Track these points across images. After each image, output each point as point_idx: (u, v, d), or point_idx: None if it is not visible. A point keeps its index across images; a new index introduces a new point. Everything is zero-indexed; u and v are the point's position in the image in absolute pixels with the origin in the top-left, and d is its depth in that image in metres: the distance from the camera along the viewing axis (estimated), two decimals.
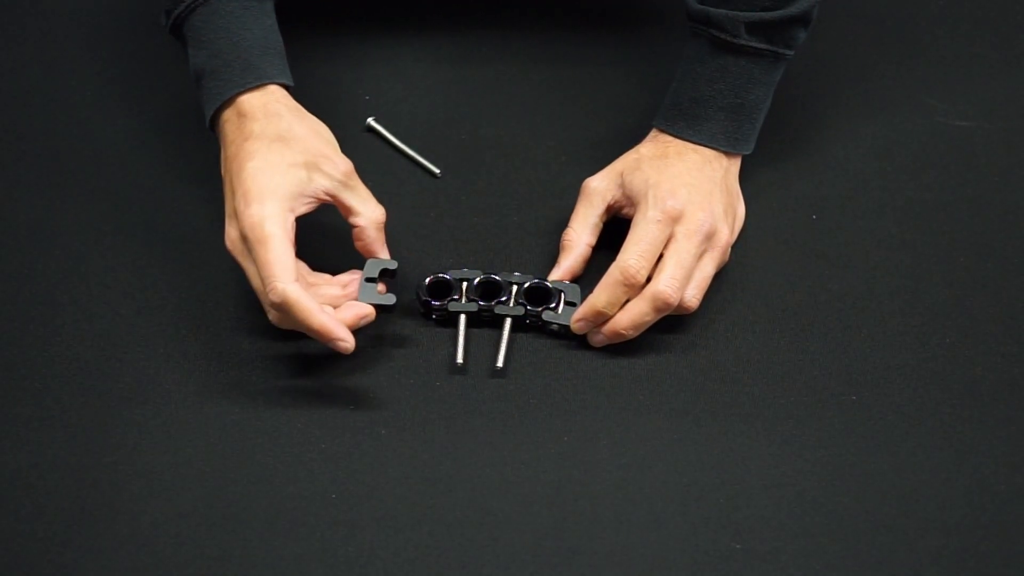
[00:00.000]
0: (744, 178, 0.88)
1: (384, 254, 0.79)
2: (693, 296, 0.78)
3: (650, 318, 0.76)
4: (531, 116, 0.94)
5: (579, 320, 0.78)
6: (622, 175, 0.81)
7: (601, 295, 0.76)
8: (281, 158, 0.75)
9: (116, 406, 0.75)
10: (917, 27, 1.02)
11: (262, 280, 0.72)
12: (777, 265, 0.84)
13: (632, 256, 0.76)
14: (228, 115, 0.78)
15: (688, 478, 0.72)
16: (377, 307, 0.76)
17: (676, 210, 0.77)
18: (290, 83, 0.80)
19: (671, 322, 0.80)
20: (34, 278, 0.82)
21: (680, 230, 0.77)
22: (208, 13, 0.78)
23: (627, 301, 0.77)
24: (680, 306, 0.77)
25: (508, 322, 0.78)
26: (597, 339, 0.78)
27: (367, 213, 0.78)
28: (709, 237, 0.78)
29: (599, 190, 0.81)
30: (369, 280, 0.77)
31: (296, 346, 0.78)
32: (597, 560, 0.69)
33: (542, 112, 0.94)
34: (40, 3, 1.04)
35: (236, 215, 0.73)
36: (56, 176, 0.90)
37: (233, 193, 0.74)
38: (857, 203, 0.88)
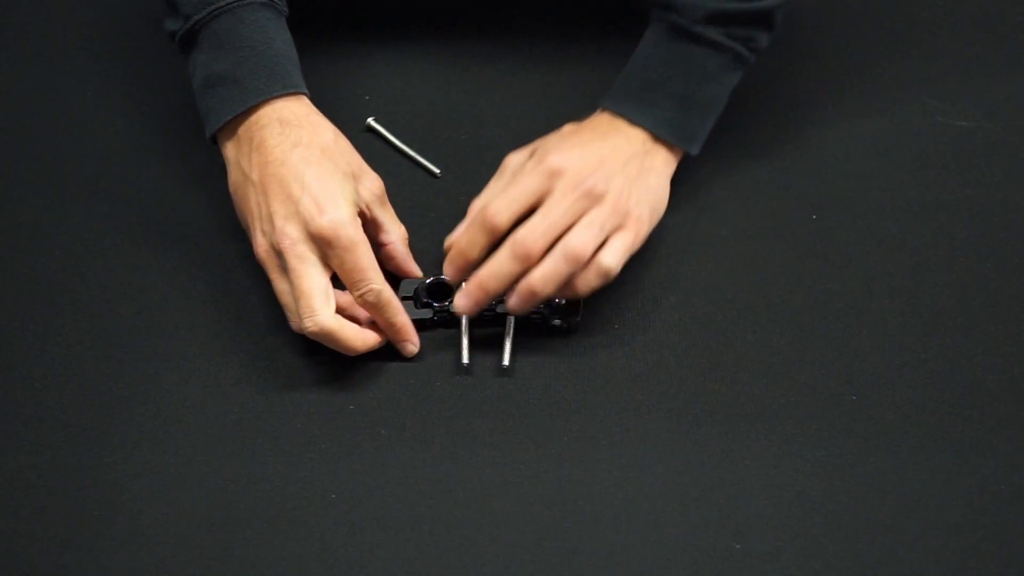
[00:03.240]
0: (744, 178, 0.89)
1: (416, 270, 0.81)
2: (579, 236, 0.73)
3: (508, 267, 0.73)
4: (531, 116, 0.94)
5: (447, 264, 0.77)
6: (536, 146, 0.80)
7: (462, 236, 0.76)
8: (336, 167, 0.76)
9: (116, 406, 0.75)
10: (917, 27, 1.02)
11: (353, 283, 0.74)
12: (777, 265, 0.84)
13: (496, 199, 0.75)
14: (263, 122, 0.77)
15: (688, 478, 0.72)
16: (416, 322, 0.78)
17: (557, 166, 0.75)
18: (308, 94, 0.80)
19: (671, 322, 0.80)
20: (34, 278, 0.82)
21: (557, 185, 0.74)
22: (232, 21, 0.78)
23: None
24: (571, 251, 0.72)
25: (511, 321, 0.78)
26: (460, 301, 0.76)
27: (396, 231, 0.81)
28: (594, 197, 0.74)
29: (512, 161, 0.82)
30: (406, 299, 0.79)
31: (296, 346, 0.78)
32: (597, 560, 0.69)
33: (542, 112, 0.94)
34: (40, 3, 1.04)
35: (305, 220, 0.72)
36: (56, 176, 0.90)
37: (295, 199, 0.73)
38: (857, 203, 0.88)
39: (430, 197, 0.88)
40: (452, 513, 0.71)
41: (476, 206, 0.81)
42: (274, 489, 0.72)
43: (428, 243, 0.84)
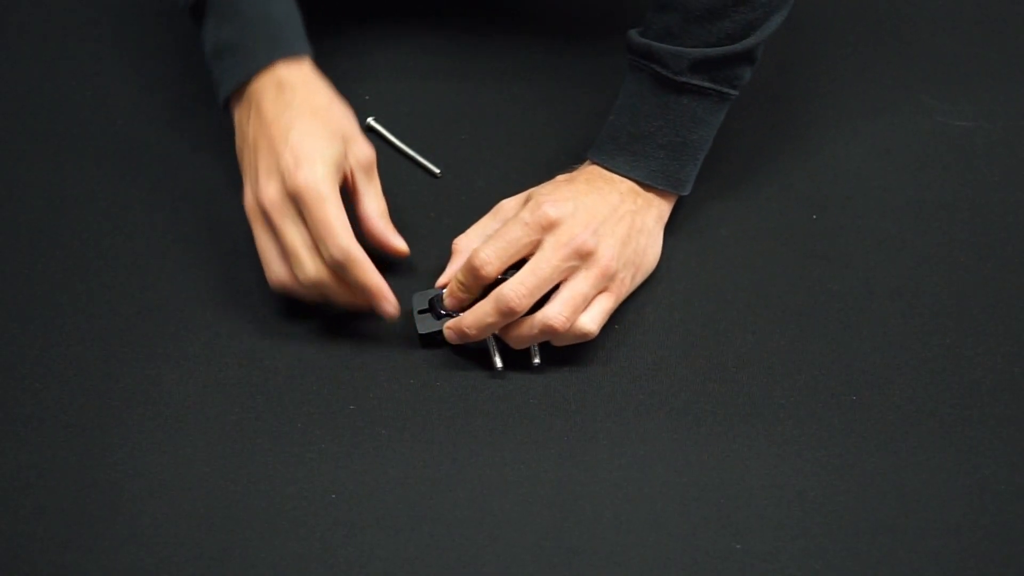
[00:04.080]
0: (744, 177, 0.89)
1: (397, 242, 0.80)
2: (559, 314, 0.73)
3: (492, 319, 0.74)
4: (531, 116, 0.94)
5: (447, 297, 0.78)
6: (530, 194, 0.80)
7: (454, 281, 0.77)
8: (324, 128, 0.77)
9: (116, 406, 0.75)
10: (917, 27, 1.02)
11: (319, 238, 0.73)
12: (777, 265, 0.84)
13: (486, 248, 0.75)
14: (264, 85, 0.79)
15: (688, 478, 0.72)
16: (436, 333, 0.77)
17: (549, 219, 0.74)
18: (311, 55, 0.82)
19: (671, 322, 0.80)
20: (34, 278, 0.83)
21: (548, 239, 0.74)
22: None
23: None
24: (548, 326, 0.74)
25: None
26: (447, 333, 0.77)
27: (375, 203, 0.80)
28: (582, 256, 0.74)
29: (505, 207, 0.81)
30: (421, 312, 0.78)
31: (296, 346, 0.78)
32: (597, 560, 0.69)
33: (542, 112, 0.94)
34: (40, 3, 1.04)
35: (283, 175, 0.74)
36: (56, 176, 0.90)
37: (277, 155, 0.75)
38: (857, 203, 0.88)
39: (430, 197, 0.88)
40: (452, 513, 0.71)
41: (461, 244, 0.81)
42: (274, 489, 0.72)
43: (428, 243, 0.84)
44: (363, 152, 0.79)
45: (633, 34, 0.81)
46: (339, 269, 0.74)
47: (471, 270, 0.75)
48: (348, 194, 0.79)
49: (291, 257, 0.75)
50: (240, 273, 0.83)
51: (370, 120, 0.92)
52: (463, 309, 0.77)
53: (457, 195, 0.88)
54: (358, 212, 0.80)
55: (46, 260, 0.84)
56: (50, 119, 0.94)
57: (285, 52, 0.79)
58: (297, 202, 0.74)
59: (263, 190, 0.75)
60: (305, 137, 0.75)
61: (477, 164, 0.90)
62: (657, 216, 0.81)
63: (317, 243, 0.74)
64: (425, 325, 0.78)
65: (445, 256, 0.82)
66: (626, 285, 0.78)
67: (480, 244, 0.76)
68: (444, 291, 0.78)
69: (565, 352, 0.78)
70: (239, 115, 0.81)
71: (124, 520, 0.70)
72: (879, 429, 0.74)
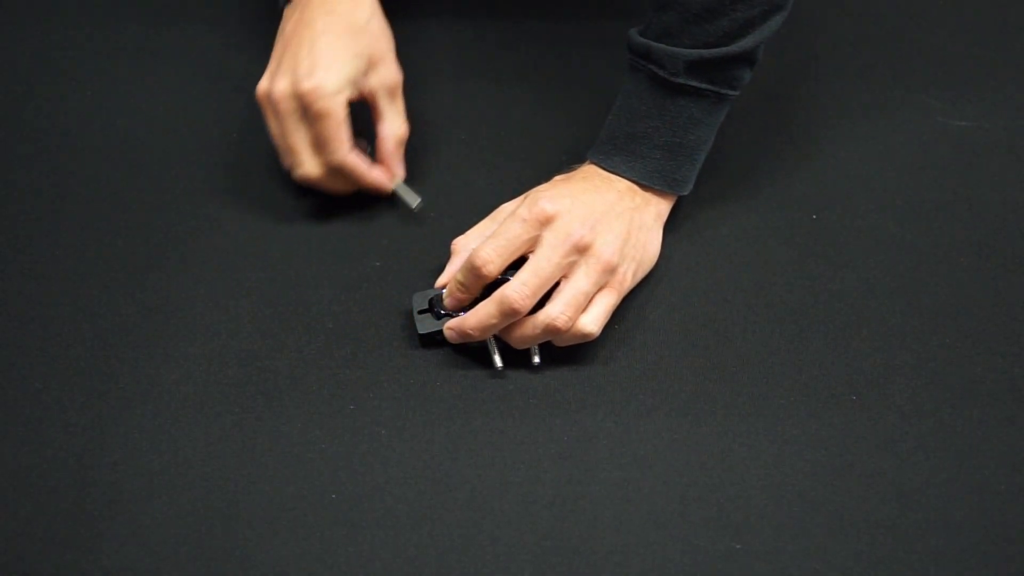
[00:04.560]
0: (744, 178, 0.89)
1: (398, 170, 0.85)
2: (562, 313, 0.74)
3: (495, 321, 0.74)
4: (531, 116, 0.94)
5: (447, 297, 0.78)
6: (528, 195, 0.80)
7: (454, 281, 0.77)
8: (352, 44, 0.81)
9: (116, 406, 0.75)
10: (917, 27, 1.02)
11: (318, 145, 0.80)
12: (777, 265, 0.84)
13: (486, 247, 0.75)
14: None
15: (688, 478, 0.72)
16: (436, 333, 0.78)
17: (546, 213, 0.74)
18: None
19: (671, 322, 0.80)
20: (34, 278, 0.82)
21: (547, 235, 0.74)
22: None
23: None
24: (550, 326, 0.74)
25: None
26: (448, 333, 0.77)
27: (393, 126, 0.84)
28: (581, 250, 0.74)
29: (505, 210, 0.81)
30: (421, 312, 0.78)
31: (296, 346, 0.78)
32: (597, 560, 0.69)
33: (542, 112, 0.94)
34: (40, 3, 1.04)
35: (296, 77, 0.79)
36: (56, 176, 0.90)
37: (298, 57, 0.80)
38: (857, 203, 0.88)
39: (430, 197, 0.88)
40: (452, 513, 0.71)
41: (460, 245, 0.81)
42: (274, 489, 0.72)
43: (428, 243, 0.84)
44: (388, 75, 0.83)
45: (633, 33, 0.80)
46: (335, 173, 0.82)
47: (472, 270, 0.75)
48: (371, 114, 0.85)
49: (291, 154, 0.81)
50: (240, 273, 0.83)
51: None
52: (463, 309, 0.77)
53: (457, 195, 0.88)
54: (375, 132, 0.84)
55: (46, 260, 0.84)
56: (50, 119, 0.94)
57: None
58: (303, 106, 0.79)
59: (276, 84, 0.80)
60: (328, 49, 0.80)
61: (477, 164, 0.90)
62: (656, 214, 0.81)
63: (318, 150, 0.80)
64: (425, 325, 0.78)
65: (445, 256, 0.82)
66: (627, 280, 0.78)
67: (479, 243, 0.76)
68: (444, 291, 0.78)
69: (565, 352, 0.78)
70: (287, 13, 0.85)
71: (124, 520, 0.70)
72: (879, 429, 0.74)
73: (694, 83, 0.78)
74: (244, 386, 0.77)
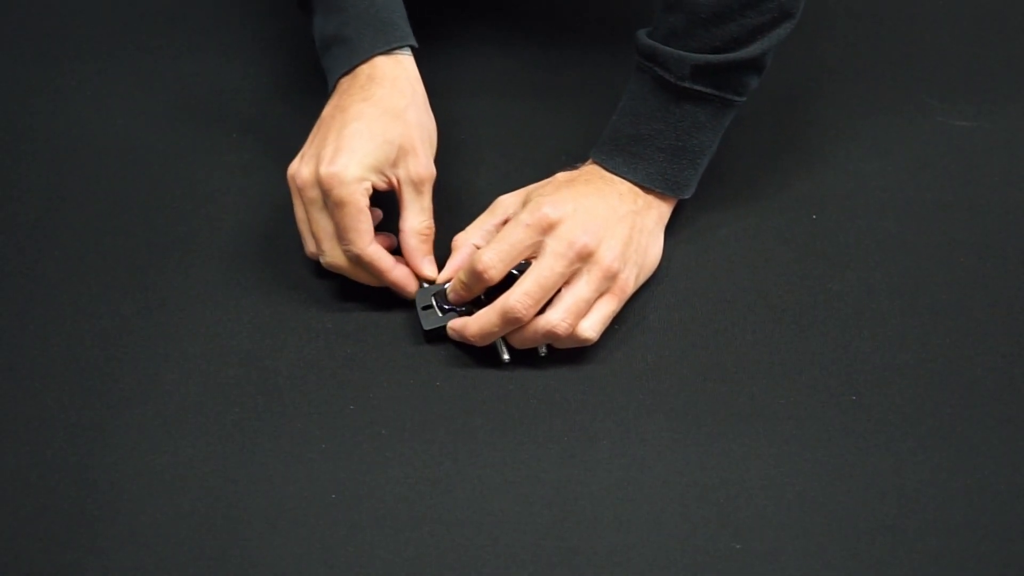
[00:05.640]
0: (744, 177, 0.89)
1: (423, 267, 0.80)
2: (562, 320, 0.74)
3: (498, 329, 0.75)
4: (531, 116, 0.94)
5: (450, 294, 0.78)
6: (529, 193, 0.80)
7: (456, 281, 0.77)
8: (382, 131, 0.78)
9: (116, 406, 0.75)
10: (917, 27, 1.02)
11: (338, 235, 0.77)
12: (777, 265, 0.84)
13: (488, 252, 0.75)
14: (360, 74, 0.81)
15: (688, 478, 0.72)
16: (440, 329, 0.78)
17: (549, 220, 0.74)
18: (416, 45, 0.84)
19: (671, 322, 0.80)
20: (34, 278, 0.82)
21: (549, 242, 0.74)
22: None
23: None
24: (550, 332, 0.74)
25: None
26: (451, 333, 0.78)
27: (413, 221, 0.80)
28: (583, 258, 0.74)
29: (503, 203, 0.82)
30: (425, 308, 0.78)
31: (296, 346, 0.78)
32: (597, 560, 0.69)
33: (542, 112, 0.94)
34: (40, 3, 1.04)
35: (319, 162, 0.77)
36: (56, 176, 0.90)
37: (325, 143, 0.78)
38: (857, 203, 0.88)
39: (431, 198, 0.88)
40: (452, 513, 0.71)
41: (461, 240, 0.81)
42: (274, 489, 0.72)
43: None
44: (417, 167, 0.79)
45: (641, 34, 0.80)
46: (358, 264, 0.78)
47: (474, 274, 0.75)
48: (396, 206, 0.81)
49: (316, 241, 0.78)
50: (240, 273, 0.83)
51: None
52: (468, 302, 0.78)
53: (457, 195, 0.88)
54: (399, 224, 0.80)
55: (46, 260, 0.84)
56: (50, 119, 0.94)
57: (388, 43, 0.81)
58: (323, 194, 0.76)
59: (301, 168, 0.78)
60: (355, 135, 0.77)
61: (477, 164, 0.90)
62: (657, 217, 0.81)
63: (338, 236, 0.77)
64: (430, 321, 0.78)
65: (445, 256, 0.82)
66: (629, 285, 0.78)
67: (482, 247, 0.77)
68: (447, 286, 0.79)
69: (565, 352, 0.78)
70: (333, 96, 0.83)
71: (124, 520, 0.70)
72: (879, 429, 0.74)
73: (700, 87, 0.78)
74: (244, 386, 0.76)
